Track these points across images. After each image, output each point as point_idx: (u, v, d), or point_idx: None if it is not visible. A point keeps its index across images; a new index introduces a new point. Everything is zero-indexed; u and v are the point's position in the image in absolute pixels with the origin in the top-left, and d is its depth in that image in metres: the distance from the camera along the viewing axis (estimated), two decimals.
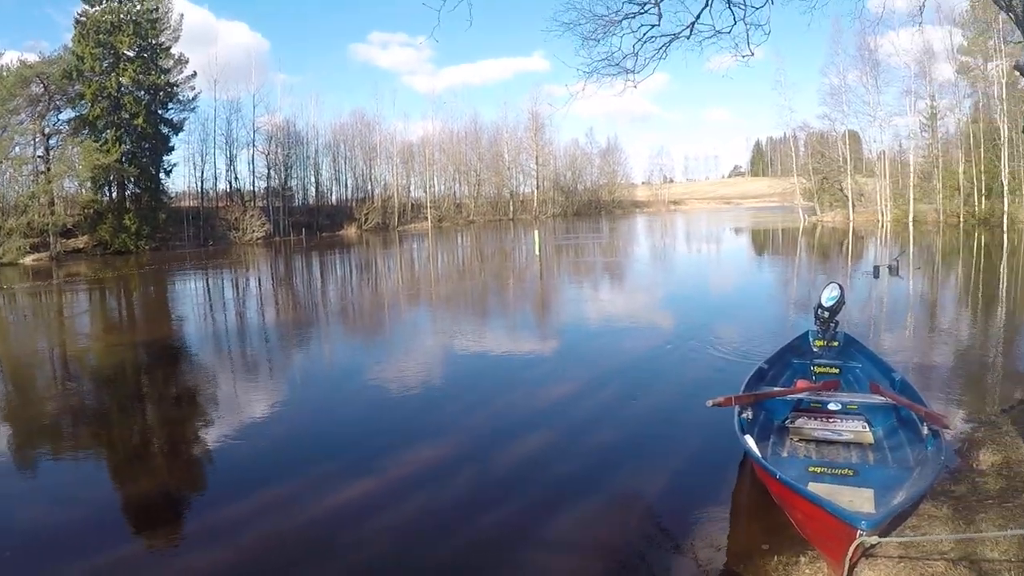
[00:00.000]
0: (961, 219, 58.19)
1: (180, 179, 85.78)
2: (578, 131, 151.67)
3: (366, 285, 33.00)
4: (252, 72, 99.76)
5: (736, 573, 6.11)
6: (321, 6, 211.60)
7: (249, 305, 26.45)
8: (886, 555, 5.47)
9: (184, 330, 20.91)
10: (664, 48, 14.63)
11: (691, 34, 14.45)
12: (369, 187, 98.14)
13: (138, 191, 62.77)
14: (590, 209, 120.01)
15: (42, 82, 55.98)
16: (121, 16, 59.30)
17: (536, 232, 49.39)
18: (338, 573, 6.39)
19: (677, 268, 36.00)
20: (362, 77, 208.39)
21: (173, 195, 72.64)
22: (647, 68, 14.93)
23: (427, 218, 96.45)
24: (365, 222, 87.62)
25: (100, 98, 58.27)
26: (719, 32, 14.64)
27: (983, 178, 57.85)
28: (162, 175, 65.73)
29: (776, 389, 9.08)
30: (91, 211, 59.09)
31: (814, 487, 6.08)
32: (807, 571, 5.76)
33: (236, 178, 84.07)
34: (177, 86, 66.92)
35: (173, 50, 65.98)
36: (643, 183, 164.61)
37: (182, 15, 67.12)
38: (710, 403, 7.43)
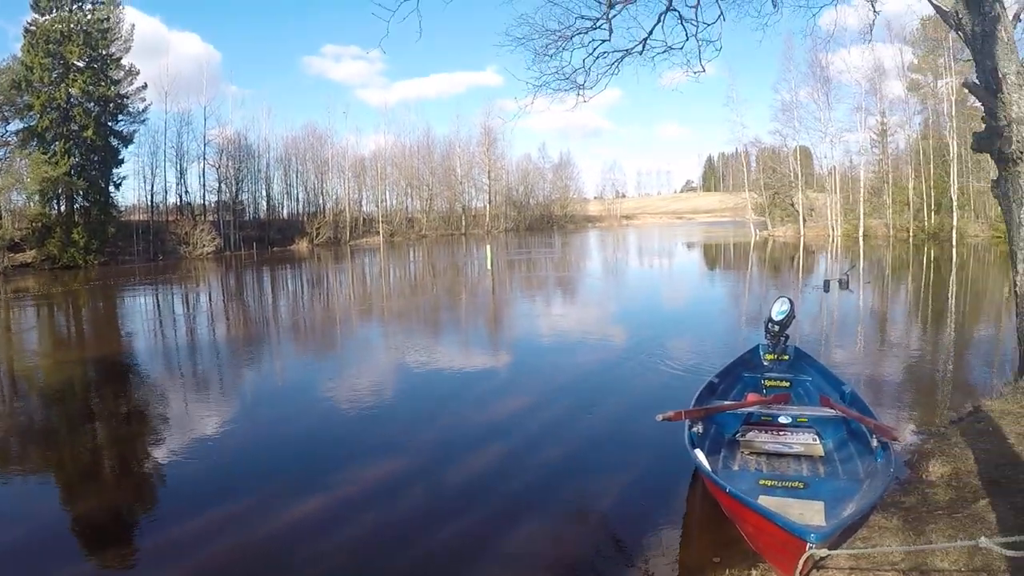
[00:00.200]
0: (911, 234, 59.41)
1: (130, 192, 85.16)
2: (531, 146, 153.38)
3: (318, 300, 32.71)
4: (204, 84, 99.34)
5: None
6: (274, 17, 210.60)
7: (200, 321, 26.03)
8: (836, 567, 5.48)
9: (134, 346, 20.50)
10: (617, 64, 14.85)
11: (643, 50, 14.67)
12: (321, 201, 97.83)
13: (87, 204, 61.55)
14: (542, 224, 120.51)
15: None
16: (72, 26, 58.19)
17: (488, 247, 49.44)
18: None
19: (629, 283, 36.18)
20: (315, 90, 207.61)
21: (123, 209, 71.84)
22: (599, 84, 15.14)
23: (379, 232, 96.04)
24: (316, 236, 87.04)
25: (49, 109, 57.27)
26: (671, 48, 14.88)
27: (932, 193, 59.16)
28: (112, 188, 64.88)
29: (727, 403, 9.14)
30: (39, 225, 57.87)
31: (764, 500, 6.10)
32: None
33: (187, 192, 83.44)
34: (127, 97, 66.20)
35: (124, 61, 65.46)
36: (595, 198, 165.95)
37: (133, 25, 66.72)
38: (660, 417, 7.42)
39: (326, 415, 12.20)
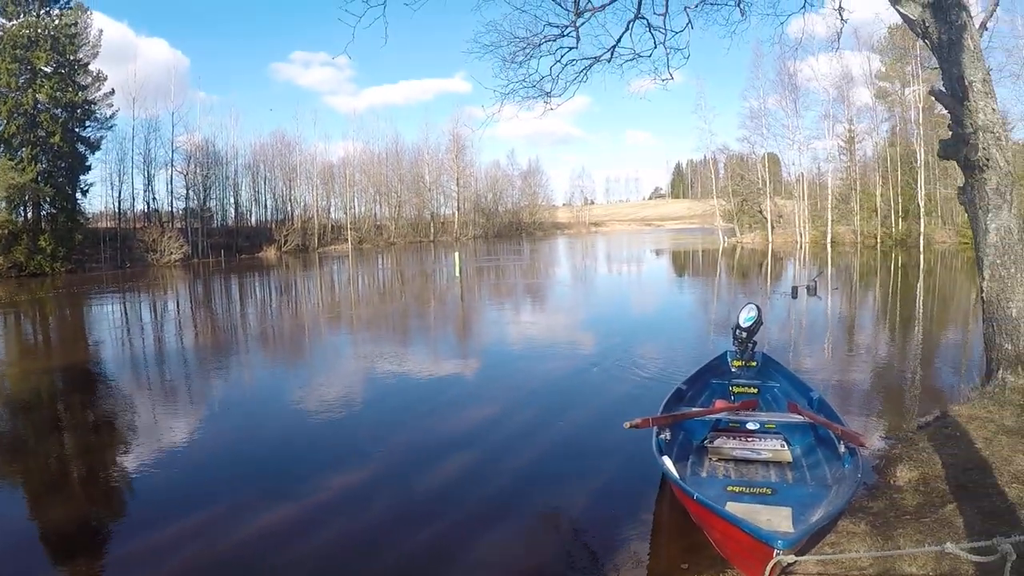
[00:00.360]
0: (879, 240, 60.14)
1: (97, 199, 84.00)
2: (500, 152, 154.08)
3: (286, 308, 32.45)
4: (172, 90, 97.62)
5: None
6: (243, 23, 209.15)
7: (168, 329, 25.75)
8: (805, 573, 5.52)
9: (101, 355, 20.21)
10: (585, 71, 14.91)
11: (612, 57, 14.74)
12: (289, 208, 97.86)
13: (54, 211, 60.75)
14: (511, 231, 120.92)
15: None
16: (39, 31, 57.46)
17: (457, 254, 49.45)
18: None
19: (598, 290, 36.26)
20: (283, 97, 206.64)
21: (90, 216, 70.93)
22: (567, 91, 15.19)
23: (347, 240, 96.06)
24: (285, 244, 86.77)
25: (16, 115, 56.53)
26: (639, 56, 14.96)
27: (900, 200, 60.00)
28: (79, 195, 64.29)
29: (694, 409, 9.17)
30: (5, 232, 56.73)
31: (732, 507, 6.12)
32: None
33: (154, 199, 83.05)
34: (95, 103, 65.51)
35: (92, 66, 64.81)
36: (564, 205, 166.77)
37: (101, 31, 66.07)
38: (627, 425, 7.44)
39: (295, 423, 12.13)
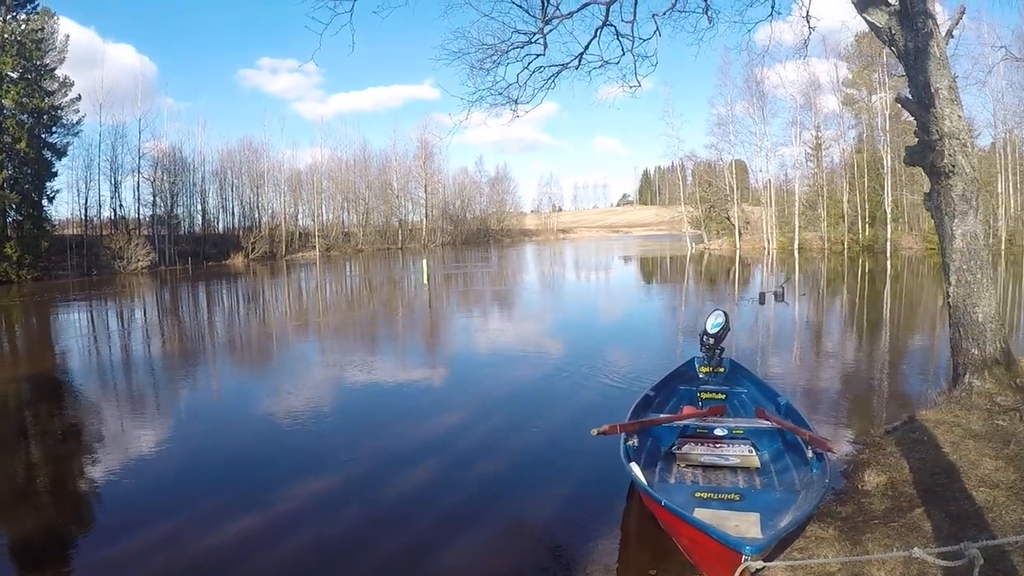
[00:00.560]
0: (846, 246, 60.81)
1: (63, 206, 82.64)
2: (468, 159, 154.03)
3: (254, 315, 32.19)
4: (139, 96, 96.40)
5: None
6: (210, 29, 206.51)
7: (135, 337, 25.41)
8: None
9: (68, 364, 19.97)
10: (553, 78, 14.95)
11: (580, 64, 14.80)
12: (256, 215, 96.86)
13: (20, 218, 59.67)
14: (479, 238, 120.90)
15: None
16: (5, 36, 56.44)
17: (425, 261, 49.50)
18: None
19: (566, 296, 36.30)
20: (251, 103, 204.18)
21: (56, 223, 70.00)
22: (535, 98, 15.23)
23: (315, 247, 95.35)
24: (252, 251, 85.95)
25: None
26: (607, 63, 15.03)
27: (867, 206, 60.68)
28: (45, 202, 63.06)
29: (662, 416, 9.20)
30: None
31: (700, 513, 6.14)
32: None
33: (121, 205, 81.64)
34: (62, 109, 64.64)
35: (58, 72, 64.04)
36: (532, 212, 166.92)
37: (68, 36, 65.32)
38: (595, 432, 7.44)
39: (264, 432, 12.07)
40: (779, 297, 25.54)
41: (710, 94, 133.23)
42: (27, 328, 30.85)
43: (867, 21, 10.93)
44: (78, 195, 77.49)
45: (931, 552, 4.19)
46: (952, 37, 11.01)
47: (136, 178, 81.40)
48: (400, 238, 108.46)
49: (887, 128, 57.89)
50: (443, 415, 12.74)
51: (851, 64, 63.96)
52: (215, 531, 7.77)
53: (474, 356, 18.93)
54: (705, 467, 7.98)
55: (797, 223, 64.54)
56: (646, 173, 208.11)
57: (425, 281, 42.68)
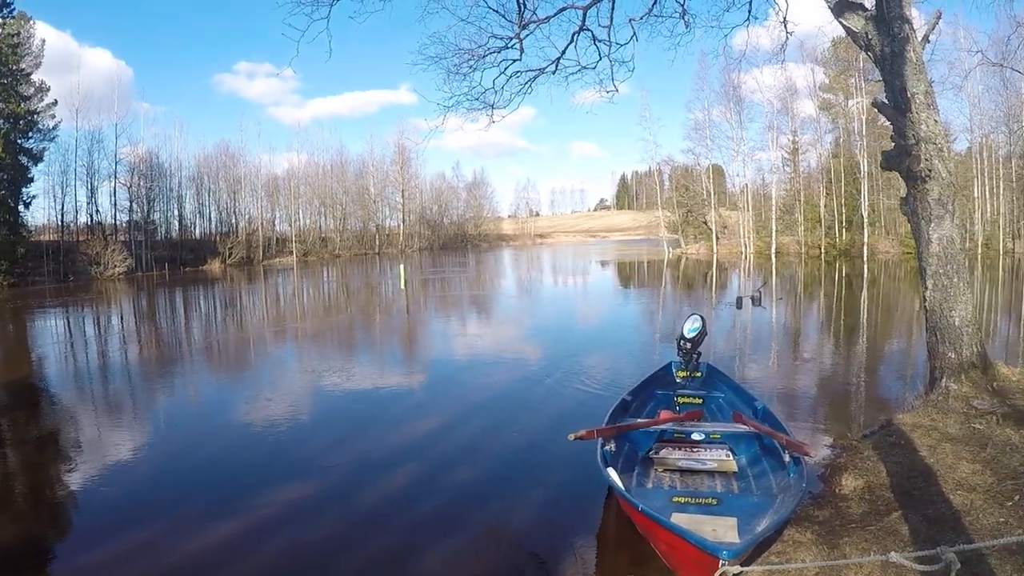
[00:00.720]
0: (823, 250, 61.19)
1: (39, 212, 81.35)
2: (445, 164, 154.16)
3: (231, 321, 31.97)
4: (115, 101, 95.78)
5: None
6: (187, 33, 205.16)
7: (112, 343, 25.18)
8: None
9: (45, 370, 19.76)
10: (530, 83, 14.95)
11: (557, 69, 14.80)
12: (233, 220, 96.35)
13: None
14: (456, 243, 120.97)
15: None
16: None
17: (402, 266, 49.34)
18: None
19: (544, 301, 36.33)
20: (228, 108, 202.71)
21: (32, 229, 69.18)
22: (512, 103, 15.21)
23: (292, 252, 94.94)
24: (229, 256, 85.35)
25: None
26: (584, 68, 15.05)
27: (844, 210, 61.07)
28: (21, 208, 62.10)
29: (639, 420, 9.20)
30: None
31: (678, 517, 6.14)
32: None
33: (97, 211, 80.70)
34: (38, 114, 63.64)
35: (34, 77, 63.36)
36: (509, 216, 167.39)
37: (44, 40, 64.85)
38: (572, 437, 7.44)
39: (241, 438, 12.03)
40: (756, 301, 25.53)
41: (687, 99, 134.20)
42: (3, 335, 30.50)
43: (844, 26, 11.00)
44: (54, 201, 76.66)
45: (908, 556, 4.19)
46: (928, 42, 11.10)
47: (113, 183, 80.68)
48: (377, 243, 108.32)
49: (864, 133, 58.33)
50: (421, 420, 12.70)
51: (828, 69, 64.39)
52: (193, 537, 7.76)
53: (452, 361, 18.89)
54: (682, 471, 8.00)
55: (774, 227, 64.92)
56: (623, 178, 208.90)
57: (403, 286, 42.55)
